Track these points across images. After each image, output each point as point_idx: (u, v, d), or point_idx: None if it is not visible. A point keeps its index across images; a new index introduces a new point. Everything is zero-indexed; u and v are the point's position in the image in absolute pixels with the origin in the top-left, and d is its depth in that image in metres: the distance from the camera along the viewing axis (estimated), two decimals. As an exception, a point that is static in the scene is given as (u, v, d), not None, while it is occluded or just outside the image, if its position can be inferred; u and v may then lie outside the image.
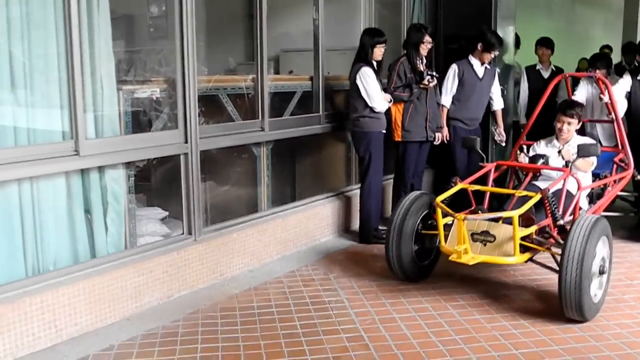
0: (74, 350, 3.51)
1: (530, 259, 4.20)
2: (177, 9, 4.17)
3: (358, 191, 5.62)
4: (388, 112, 5.41)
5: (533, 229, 4.11)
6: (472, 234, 4.01)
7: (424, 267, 4.58)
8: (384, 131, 5.39)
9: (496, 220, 4.04)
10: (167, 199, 4.65)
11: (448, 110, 5.79)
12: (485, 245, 4.00)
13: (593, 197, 4.99)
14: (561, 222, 4.20)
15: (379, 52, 5.26)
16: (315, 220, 5.44)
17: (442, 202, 4.23)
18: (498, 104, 6.01)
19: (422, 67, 5.42)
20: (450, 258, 3.98)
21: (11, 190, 3.50)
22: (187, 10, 4.19)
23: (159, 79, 4.43)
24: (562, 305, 3.79)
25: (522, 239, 4.04)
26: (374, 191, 5.39)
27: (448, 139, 5.76)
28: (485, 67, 5.77)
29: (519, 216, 3.99)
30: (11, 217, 3.53)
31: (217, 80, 4.90)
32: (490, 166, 4.73)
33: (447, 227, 4.19)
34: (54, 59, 3.63)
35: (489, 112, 6.13)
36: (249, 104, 5.00)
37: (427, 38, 5.39)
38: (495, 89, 5.96)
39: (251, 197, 5.18)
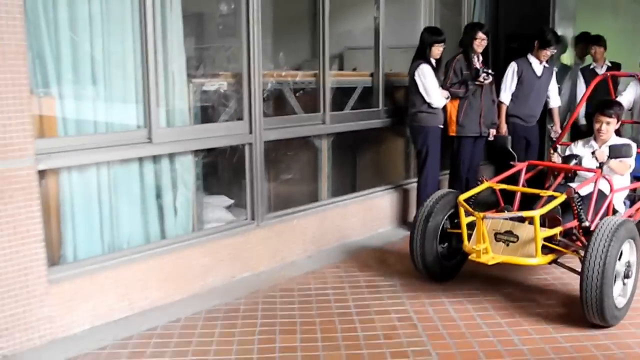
0: (145, 321, 3.82)
1: (555, 261, 4.11)
2: (244, 8, 4.44)
3: (416, 184, 5.77)
4: (444, 108, 5.55)
5: (557, 230, 4.02)
6: (496, 234, 3.96)
7: (449, 267, 4.47)
8: (441, 126, 5.54)
9: (521, 220, 3.97)
10: (232, 187, 4.92)
11: (507, 107, 5.87)
12: (508, 245, 3.93)
13: (636, 200, 4.82)
14: (586, 223, 4.07)
15: (437, 50, 5.41)
16: (373, 211, 5.62)
17: (470, 200, 4.21)
18: (555, 102, 6.03)
19: (477, 65, 5.54)
20: (469, 257, 3.97)
21: (91, 173, 3.84)
22: (254, 9, 4.45)
23: (227, 73, 4.72)
24: (583, 310, 3.70)
25: (547, 240, 3.97)
26: (430, 184, 5.52)
27: (507, 134, 5.84)
28: (544, 66, 5.83)
29: (545, 217, 3.94)
30: (90, 198, 3.87)
31: (281, 76, 5.16)
32: (521, 165, 4.65)
33: (474, 226, 4.06)
34: (130, 55, 3.95)
35: (547, 110, 6.17)
36: (311, 98, 5.23)
37: (480, 35, 5.52)
38: (553, 87, 5.99)
39: (312, 186, 5.41)
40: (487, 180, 4.40)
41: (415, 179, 5.85)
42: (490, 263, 3.86)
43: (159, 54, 4.03)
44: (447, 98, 5.47)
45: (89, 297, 3.69)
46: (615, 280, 3.73)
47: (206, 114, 4.56)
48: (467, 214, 4.08)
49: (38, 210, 3.40)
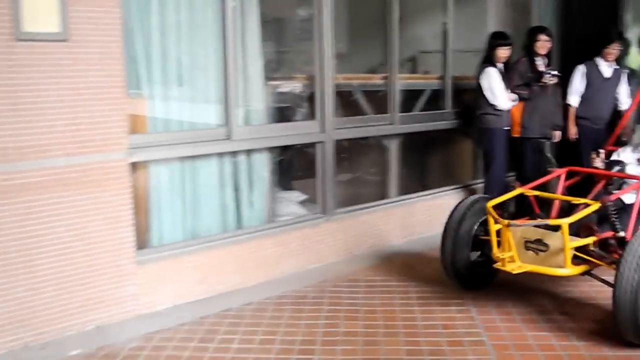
0: (220, 303, 4.16)
1: (589, 273, 3.90)
2: (318, 14, 4.73)
3: (482, 185, 5.91)
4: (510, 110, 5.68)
5: (590, 240, 3.81)
6: (526, 242, 3.80)
7: (483, 274, 4.31)
8: (507, 128, 5.66)
9: (554, 229, 3.75)
10: (304, 183, 5.22)
11: (575, 109, 5.92)
12: (537, 254, 3.76)
13: None
14: (622, 234, 3.83)
15: (502, 53, 5.54)
16: (440, 210, 5.76)
17: (503, 206, 4.07)
18: (624, 104, 6.02)
19: (542, 67, 5.63)
20: (494, 265, 3.87)
21: (175, 166, 4.22)
22: (327, 15, 4.73)
23: (301, 76, 5.02)
24: (617, 327, 3.49)
25: (580, 250, 3.79)
26: (495, 185, 5.64)
27: (575, 136, 5.89)
28: (614, 68, 5.85)
29: (579, 226, 3.80)
30: (175, 189, 4.25)
31: (353, 78, 5.43)
32: (560, 171, 4.50)
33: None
34: (212, 59, 4.31)
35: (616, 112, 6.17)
36: (381, 100, 5.47)
37: (543, 37, 5.62)
38: (622, 90, 5.98)
39: (380, 184, 5.65)
40: (519, 187, 4.29)
41: (482, 180, 5.99)
42: (515, 272, 3.76)
43: (238, 58, 4.38)
44: (515, 101, 5.58)
45: (171, 278, 4.06)
46: None
47: (281, 113, 4.88)
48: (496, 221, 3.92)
49: (129, 199, 3.80)
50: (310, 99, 4.90)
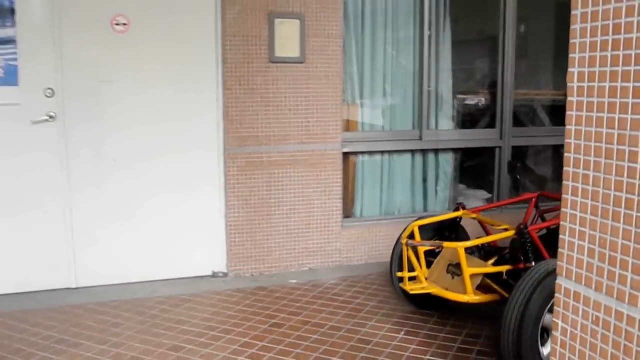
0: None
1: (501, 303, 3.38)
2: (501, 36, 5.73)
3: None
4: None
5: (498, 268, 3.57)
6: (449, 265, 3.65)
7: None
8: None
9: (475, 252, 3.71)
10: (482, 182, 6.21)
11: None
12: (453, 278, 3.58)
13: None
14: (532, 263, 3.47)
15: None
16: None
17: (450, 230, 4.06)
18: None
19: None
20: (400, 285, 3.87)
21: (376, 157, 5.53)
22: (508, 38, 5.71)
23: (484, 90, 6.05)
24: None
25: (490, 278, 3.57)
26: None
27: None
28: None
29: (507, 253, 3.67)
30: (374, 175, 5.56)
31: (531, 93, 6.32)
32: (528, 195, 4.41)
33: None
34: (410, 75, 5.56)
35: None
36: (560, 113, 6.23)
37: None
38: None
39: (554, 186, 6.42)
40: (463, 209, 4.18)
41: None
42: (414, 292, 3.70)
43: (432, 73, 5.57)
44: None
45: (366, 242, 5.36)
46: (543, 337, 3.10)
47: (466, 121, 5.96)
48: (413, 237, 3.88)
49: (340, 178, 5.17)
50: (491, 110, 5.91)
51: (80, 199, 4.63)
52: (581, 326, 1.92)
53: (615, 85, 1.77)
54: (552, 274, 3.02)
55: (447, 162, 5.81)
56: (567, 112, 1.92)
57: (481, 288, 3.56)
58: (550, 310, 2.97)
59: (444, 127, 5.75)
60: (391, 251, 4.29)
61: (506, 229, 3.76)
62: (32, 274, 4.59)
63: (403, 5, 5.46)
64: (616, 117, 1.77)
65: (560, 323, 2.01)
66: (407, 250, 3.75)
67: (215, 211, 4.93)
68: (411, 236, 3.89)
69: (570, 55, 1.96)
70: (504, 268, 3.55)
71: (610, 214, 1.79)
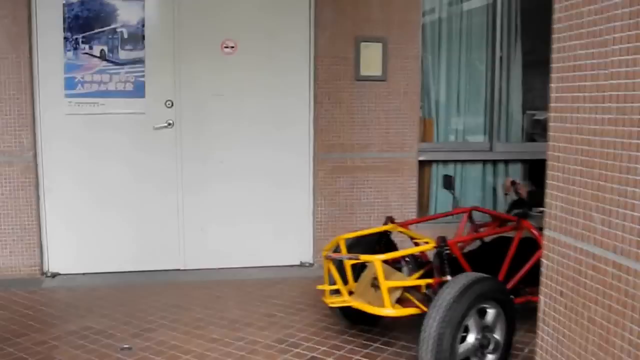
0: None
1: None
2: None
3: None
4: None
5: (415, 282, 3.50)
6: (373, 279, 3.51)
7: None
8: None
9: (401, 267, 3.66)
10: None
11: None
12: (376, 291, 3.48)
13: None
14: (447, 277, 3.36)
15: None
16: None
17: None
18: None
19: None
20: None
21: (450, 166, 6.11)
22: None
23: (555, 108, 6.51)
24: None
25: (409, 291, 3.53)
26: None
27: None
28: None
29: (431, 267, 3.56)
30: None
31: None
32: (461, 210, 4.39)
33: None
34: (482, 92, 6.12)
35: None
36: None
37: None
38: None
39: None
40: (391, 222, 4.14)
41: None
42: (333, 305, 3.70)
43: (503, 92, 6.10)
44: None
45: (440, 243, 5.92)
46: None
47: (535, 134, 6.44)
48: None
49: (415, 184, 5.78)
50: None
51: (191, 194, 5.47)
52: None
53: None
54: (469, 288, 3.07)
55: (516, 173, 6.31)
56: None
57: (405, 302, 3.52)
58: (467, 329, 3.14)
59: (514, 140, 6.25)
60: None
61: (427, 242, 3.64)
62: (150, 256, 5.45)
63: (477, 28, 6.06)
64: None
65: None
66: (329, 263, 3.76)
67: (305, 209, 5.65)
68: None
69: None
70: (422, 282, 3.49)
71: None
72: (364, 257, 3.56)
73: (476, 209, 4.43)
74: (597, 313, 2.11)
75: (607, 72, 2.07)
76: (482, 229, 4.25)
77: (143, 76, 5.32)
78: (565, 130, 2.31)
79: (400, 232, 4.13)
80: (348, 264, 3.69)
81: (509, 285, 3.59)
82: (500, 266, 3.67)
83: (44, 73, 5.18)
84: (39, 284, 5.05)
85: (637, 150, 1.93)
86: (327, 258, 3.76)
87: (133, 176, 5.38)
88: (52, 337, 3.94)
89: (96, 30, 5.22)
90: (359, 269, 3.76)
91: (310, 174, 5.64)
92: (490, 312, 3.29)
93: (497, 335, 3.32)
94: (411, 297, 3.52)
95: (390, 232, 4.13)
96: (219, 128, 5.46)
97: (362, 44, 5.51)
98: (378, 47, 5.55)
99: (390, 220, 4.17)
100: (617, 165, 2.02)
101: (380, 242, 4.07)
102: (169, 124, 5.37)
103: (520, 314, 3.52)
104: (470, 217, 4.30)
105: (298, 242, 5.68)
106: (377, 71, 5.58)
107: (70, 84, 5.23)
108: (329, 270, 3.80)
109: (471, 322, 3.19)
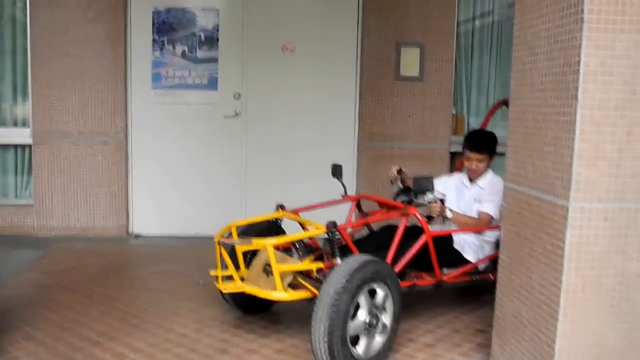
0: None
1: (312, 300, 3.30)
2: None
3: None
4: None
5: (307, 266, 3.55)
6: (265, 265, 3.50)
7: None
8: None
9: (291, 252, 3.68)
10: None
11: None
12: (268, 277, 3.48)
13: None
14: (338, 261, 3.44)
15: None
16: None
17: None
18: None
19: None
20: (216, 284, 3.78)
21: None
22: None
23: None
24: None
25: (301, 276, 3.64)
26: None
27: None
28: None
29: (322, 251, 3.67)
30: (477, 172, 6.93)
31: None
32: (349, 198, 4.40)
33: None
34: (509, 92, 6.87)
35: None
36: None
37: None
38: None
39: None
40: (281, 210, 4.07)
41: None
42: (227, 291, 3.67)
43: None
44: None
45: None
46: (353, 338, 3.22)
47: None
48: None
49: (446, 171, 6.59)
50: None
51: (252, 175, 6.46)
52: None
53: None
54: (359, 269, 3.13)
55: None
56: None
57: (297, 287, 3.58)
58: (358, 306, 3.17)
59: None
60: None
61: (317, 228, 3.63)
62: (216, 223, 6.39)
63: (507, 35, 6.84)
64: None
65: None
66: (221, 249, 3.75)
67: (349, 191, 6.51)
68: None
69: None
70: (314, 266, 3.54)
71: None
72: (256, 241, 3.52)
73: (363, 196, 4.59)
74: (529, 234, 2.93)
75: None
76: (370, 216, 4.22)
77: (216, 72, 6.34)
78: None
79: (291, 219, 4.03)
80: (240, 249, 3.68)
81: (397, 269, 3.63)
82: (387, 252, 3.69)
83: (135, 69, 6.27)
84: (125, 242, 6.12)
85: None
86: (220, 243, 3.73)
87: (204, 156, 6.41)
88: (144, 274, 5.01)
89: (179, 34, 6.28)
90: (250, 256, 3.80)
91: (355, 160, 6.54)
92: (380, 293, 3.32)
93: (385, 319, 3.36)
94: (303, 282, 3.60)
95: (280, 219, 4.10)
96: (277, 118, 6.44)
97: (403, 48, 6.39)
98: (416, 51, 6.42)
99: (280, 207, 4.10)
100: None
101: (271, 230, 4.02)
102: (236, 114, 6.37)
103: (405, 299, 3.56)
104: (358, 205, 4.45)
105: (343, 222, 6.54)
106: (414, 72, 6.45)
107: (156, 78, 6.30)
108: (221, 256, 3.78)
109: (362, 300, 3.21)
